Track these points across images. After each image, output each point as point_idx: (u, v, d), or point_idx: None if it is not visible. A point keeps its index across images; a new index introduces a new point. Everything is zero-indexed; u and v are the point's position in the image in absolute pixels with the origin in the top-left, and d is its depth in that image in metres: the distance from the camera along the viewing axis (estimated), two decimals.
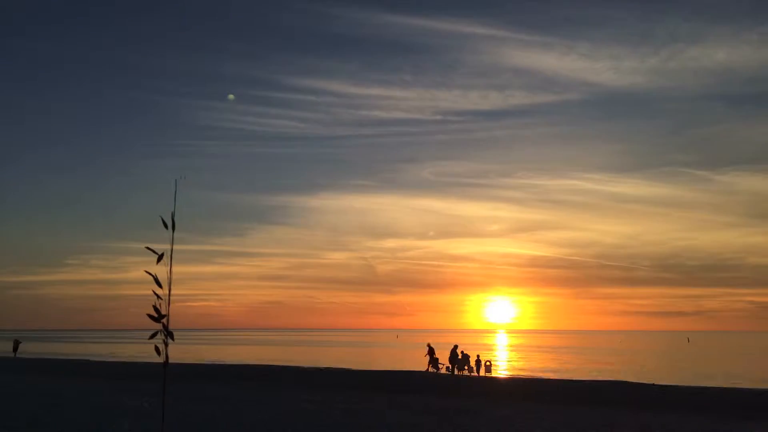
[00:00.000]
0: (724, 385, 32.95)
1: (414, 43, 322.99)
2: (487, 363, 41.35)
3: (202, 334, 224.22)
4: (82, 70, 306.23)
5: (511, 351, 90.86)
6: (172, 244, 3.59)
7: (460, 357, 39.20)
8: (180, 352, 67.51)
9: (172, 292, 3.74)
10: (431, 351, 41.30)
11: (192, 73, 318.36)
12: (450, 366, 39.53)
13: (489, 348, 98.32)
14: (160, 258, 3.64)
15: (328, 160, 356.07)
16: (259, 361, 54.32)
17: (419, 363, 49.85)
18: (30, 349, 78.77)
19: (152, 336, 3.73)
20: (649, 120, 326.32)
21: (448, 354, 39.55)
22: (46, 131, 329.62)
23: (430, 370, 40.37)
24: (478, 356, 41.27)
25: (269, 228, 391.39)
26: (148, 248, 3.58)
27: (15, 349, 55.57)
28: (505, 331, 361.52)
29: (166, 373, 4.02)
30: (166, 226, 3.65)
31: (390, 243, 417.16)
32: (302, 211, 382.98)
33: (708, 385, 32.70)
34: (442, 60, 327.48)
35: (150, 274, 3.57)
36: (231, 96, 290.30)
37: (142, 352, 70.22)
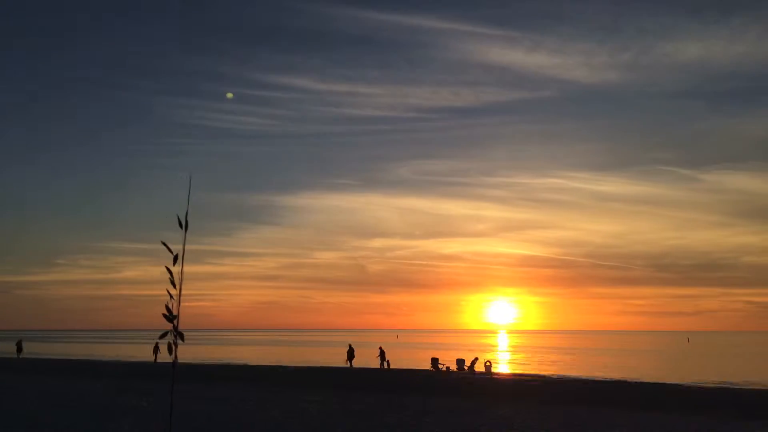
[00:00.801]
0: (725, 385, 33.01)
1: (379, 38, 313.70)
2: (487, 363, 41.41)
3: (200, 335, 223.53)
4: (69, 70, 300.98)
5: (511, 351, 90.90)
6: (184, 244, 3.61)
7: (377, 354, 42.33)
8: (179, 352, 67.28)
9: (183, 292, 3.76)
10: (381, 352, 43.34)
11: (171, 71, 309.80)
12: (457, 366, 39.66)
13: (490, 348, 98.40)
14: (176, 258, 3.64)
15: (305, 158, 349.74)
16: (258, 361, 54.32)
17: (420, 363, 49.90)
18: (27, 350, 78.73)
19: (162, 336, 3.75)
20: (626, 117, 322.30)
21: (453, 356, 39.78)
22: (32, 132, 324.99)
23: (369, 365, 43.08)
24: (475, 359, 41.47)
25: (255, 227, 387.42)
26: (163, 243, 3.59)
27: (19, 349, 55.79)
28: (505, 331, 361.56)
29: (175, 373, 4.04)
30: (181, 225, 3.66)
31: (377, 242, 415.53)
32: (286, 211, 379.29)
33: (708, 385, 32.76)
34: (408, 56, 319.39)
35: (168, 271, 3.57)
36: (229, 95, 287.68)
37: (141, 352, 70.15)
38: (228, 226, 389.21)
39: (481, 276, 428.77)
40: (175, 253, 3.59)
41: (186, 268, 3.56)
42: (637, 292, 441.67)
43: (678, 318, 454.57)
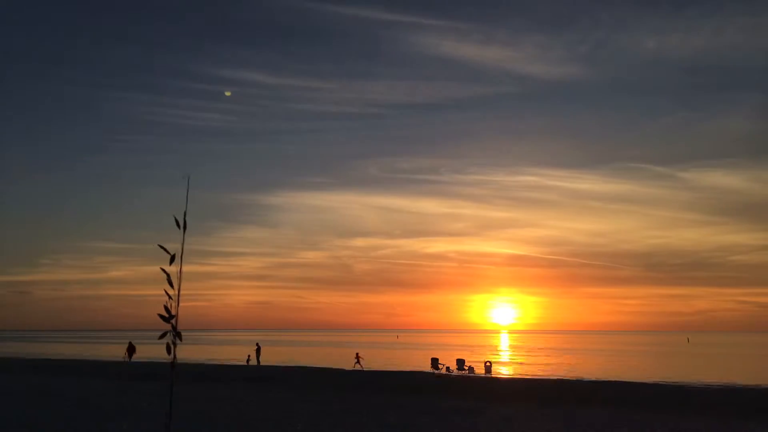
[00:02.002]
0: (725, 385, 33.00)
1: (326, 30, 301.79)
2: (487, 363, 41.38)
3: (195, 335, 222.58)
4: (49, 71, 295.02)
5: (511, 352, 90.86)
6: (183, 244, 3.60)
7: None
8: (177, 353, 67.24)
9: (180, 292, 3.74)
10: (131, 348, 47.20)
11: (133, 68, 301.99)
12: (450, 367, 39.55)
13: (491, 348, 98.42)
14: (173, 259, 3.63)
15: (273, 156, 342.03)
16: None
17: (420, 363, 49.91)
18: (18, 350, 78.98)
19: (162, 336, 3.73)
20: (590, 113, 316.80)
21: (453, 356, 39.70)
22: (11, 133, 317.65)
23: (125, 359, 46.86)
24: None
25: (234, 227, 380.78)
26: (160, 246, 3.58)
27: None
28: (505, 331, 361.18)
29: (173, 373, 4.03)
30: (178, 225, 3.64)
31: (360, 242, 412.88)
32: (264, 210, 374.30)
33: (708, 385, 32.75)
34: (359, 49, 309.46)
35: (164, 271, 3.56)
36: (228, 93, 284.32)
37: (138, 352, 69.99)
38: (206, 225, 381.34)
39: (470, 276, 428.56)
40: (172, 254, 3.58)
41: (174, 268, 3.53)
42: (629, 292, 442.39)
43: (674, 318, 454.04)
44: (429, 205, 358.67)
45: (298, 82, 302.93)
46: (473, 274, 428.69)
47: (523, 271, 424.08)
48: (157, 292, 3.69)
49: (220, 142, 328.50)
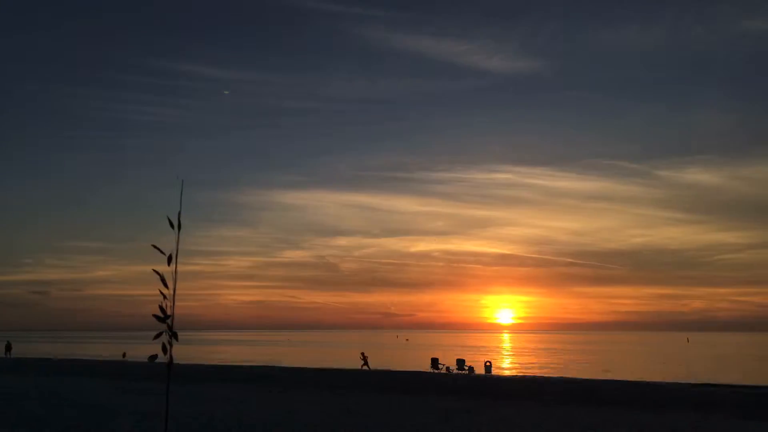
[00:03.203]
0: (724, 385, 32.98)
1: (277, 22, 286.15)
2: (487, 363, 41.38)
3: (191, 335, 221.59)
4: (24, 69, 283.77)
5: (510, 351, 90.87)
6: (177, 244, 3.57)
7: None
8: (176, 353, 67.32)
9: (166, 292, 3.71)
10: (8, 346, 55.91)
11: (90, 63, 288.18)
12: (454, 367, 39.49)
13: (491, 348, 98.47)
14: (170, 259, 3.61)
15: (240, 152, 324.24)
16: (257, 361, 54.31)
17: (420, 363, 49.92)
18: (21, 350, 79.14)
19: (156, 336, 3.71)
20: (555, 108, 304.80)
21: (452, 356, 39.72)
22: None
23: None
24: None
25: (209, 226, 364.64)
26: (154, 246, 3.56)
27: (8, 349, 57.15)
28: (504, 330, 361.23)
29: (170, 373, 4.01)
30: (172, 226, 3.62)
31: (341, 241, 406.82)
32: (238, 208, 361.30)
33: (708, 385, 32.73)
34: (311, 42, 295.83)
35: (157, 273, 3.54)
36: (226, 91, 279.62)
37: (136, 352, 70.12)
38: (183, 224, 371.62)
39: (459, 275, 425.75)
40: (168, 254, 3.55)
41: (149, 267, 3.49)
42: (621, 291, 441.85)
43: (671, 317, 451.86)
44: (403, 203, 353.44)
45: (251, 76, 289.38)
46: (462, 273, 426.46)
47: (511, 271, 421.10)
48: (145, 292, 3.66)
49: (176, 137, 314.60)
